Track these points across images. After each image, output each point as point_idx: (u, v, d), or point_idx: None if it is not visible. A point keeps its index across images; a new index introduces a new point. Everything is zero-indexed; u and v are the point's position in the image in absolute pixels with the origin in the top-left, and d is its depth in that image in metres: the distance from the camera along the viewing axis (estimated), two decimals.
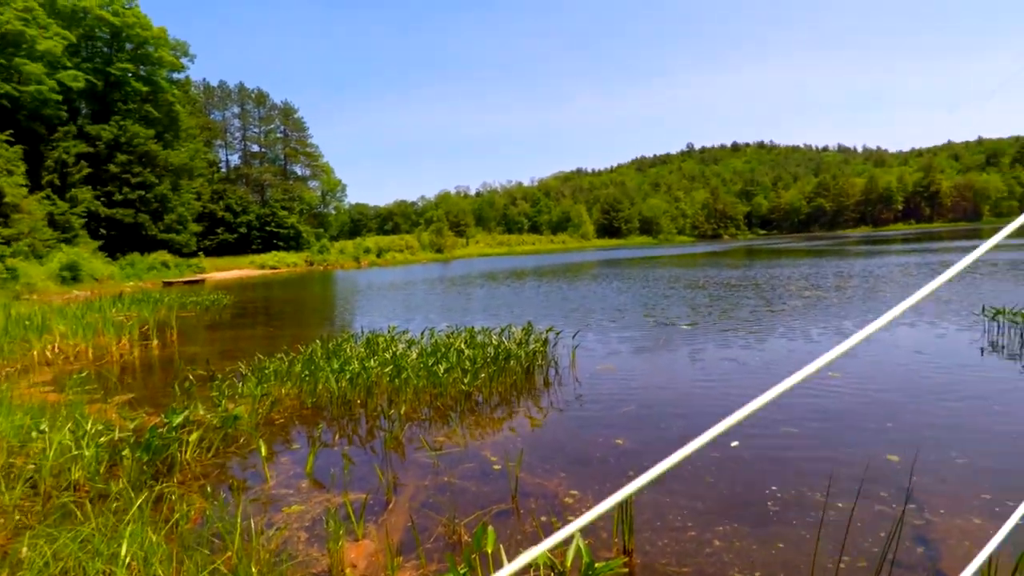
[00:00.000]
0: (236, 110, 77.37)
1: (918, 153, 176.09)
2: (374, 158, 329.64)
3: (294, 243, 69.22)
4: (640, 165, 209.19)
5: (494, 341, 8.55)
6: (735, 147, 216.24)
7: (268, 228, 67.71)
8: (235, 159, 78.11)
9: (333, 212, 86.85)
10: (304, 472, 4.94)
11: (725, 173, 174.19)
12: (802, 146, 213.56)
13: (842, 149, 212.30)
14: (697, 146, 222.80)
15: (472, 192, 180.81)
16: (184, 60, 54.98)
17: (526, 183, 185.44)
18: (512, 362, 7.95)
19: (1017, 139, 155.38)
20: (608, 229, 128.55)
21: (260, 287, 34.29)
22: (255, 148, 78.79)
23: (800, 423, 5.59)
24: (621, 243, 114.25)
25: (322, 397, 7.20)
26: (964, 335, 9.24)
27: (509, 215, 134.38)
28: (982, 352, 8.08)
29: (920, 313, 11.45)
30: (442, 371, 7.29)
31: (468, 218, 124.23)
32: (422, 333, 9.74)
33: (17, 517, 3.91)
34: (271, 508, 4.26)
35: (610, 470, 4.75)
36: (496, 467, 4.89)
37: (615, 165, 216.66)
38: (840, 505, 3.85)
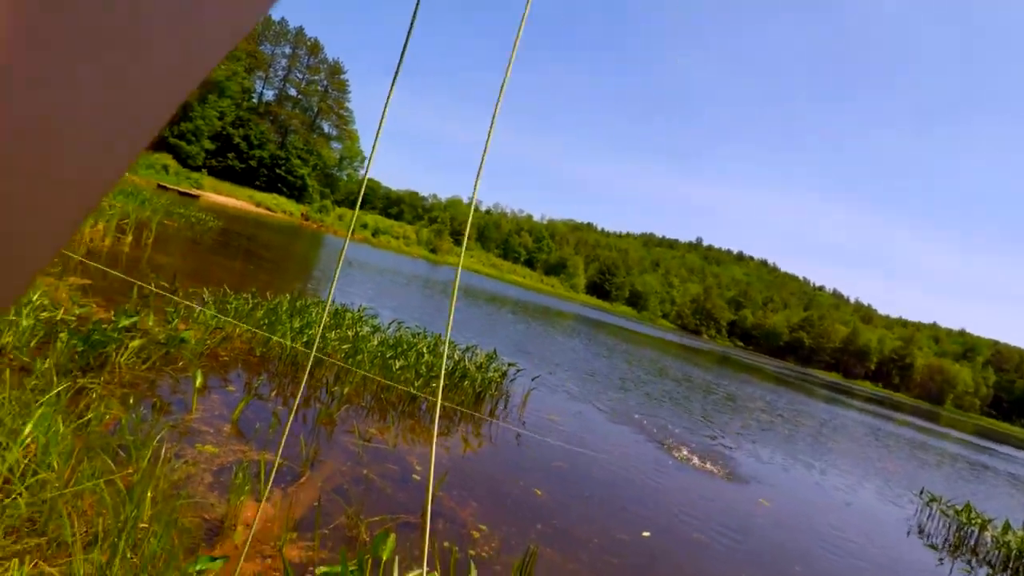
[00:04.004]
0: (287, 50, 77.60)
1: (903, 323, 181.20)
2: (403, 141, 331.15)
3: (297, 193, 68.78)
4: (647, 240, 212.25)
5: (455, 356, 8.51)
6: (740, 256, 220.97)
7: (278, 171, 67.29)
8: (269, 95, 77.99)
9: (345, 178, 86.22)
10: (230, 417, 4.83)
11: (724, 277, 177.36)
12: (801, 278, 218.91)
13: (836, 294, 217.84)
14: (706, 242, 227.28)
15: (483, 208, 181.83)
16: None
17: (536, 217, 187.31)
18: (466, 382, 7.91)
19: (995, 343, 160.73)
20: (598, 289, 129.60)
21: (251, 224, 33.85)
22: (292, 92, 78.79)
23: (711, 534, 5.61)
24: (605, 306, 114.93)
25: (273, 350, 7.08)
26: (895, 510, 9.37)
27: (510, 243, 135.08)
28: (908, 533, 8.19)
29: (862, 476, 11.63)
30: (397, 367, 7.22)
31: (471, 231, 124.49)
32: (389, 324, 9.67)
33: None
34: (186, 440, 4.15)
35: (521, 517, 4.71)
36: (416, 477, 4.83)
37: (624, 232, 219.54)
38: None
